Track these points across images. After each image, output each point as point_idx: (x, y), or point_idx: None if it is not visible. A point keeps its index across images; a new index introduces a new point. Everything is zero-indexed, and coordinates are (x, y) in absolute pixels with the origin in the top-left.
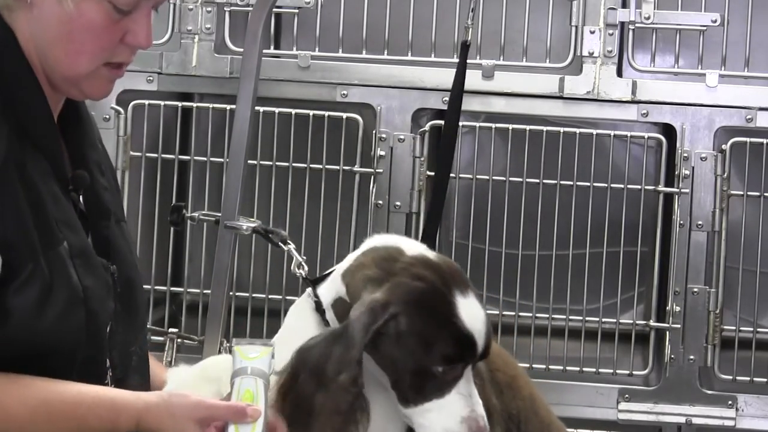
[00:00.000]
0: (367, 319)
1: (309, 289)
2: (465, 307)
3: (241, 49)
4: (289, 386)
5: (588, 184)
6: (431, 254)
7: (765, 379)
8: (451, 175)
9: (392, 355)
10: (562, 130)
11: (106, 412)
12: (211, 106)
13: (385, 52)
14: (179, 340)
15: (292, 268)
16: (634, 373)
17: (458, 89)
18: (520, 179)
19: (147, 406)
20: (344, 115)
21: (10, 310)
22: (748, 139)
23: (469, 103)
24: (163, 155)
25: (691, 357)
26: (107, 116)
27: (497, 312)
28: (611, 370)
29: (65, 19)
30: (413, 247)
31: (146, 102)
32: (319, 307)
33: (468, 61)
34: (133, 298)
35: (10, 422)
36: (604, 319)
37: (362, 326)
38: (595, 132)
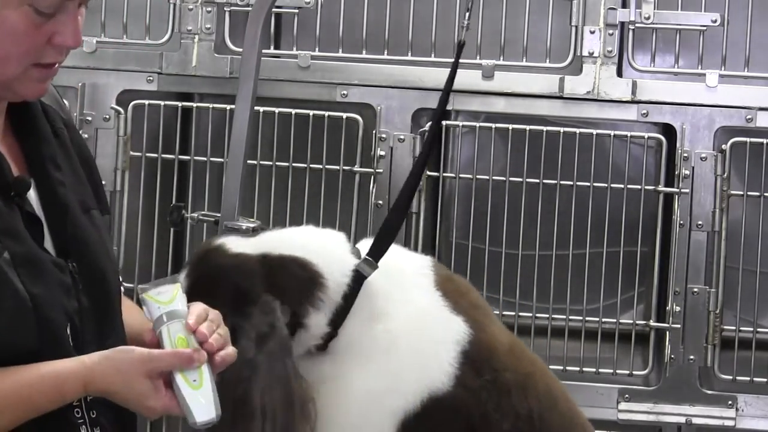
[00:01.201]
0: None
1: None
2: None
3: (241, 49)
4: None
5: (588, 184)
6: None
7: (765, 379)
8: (451, 175)
9: None
10: (562, 130)
11: (49, 387)
12: (211, 106)
13: (385, 52)
14: None
15: None
16: (634, 373)
17: (448, 91)
18: (520, 179)
19: (91, 369)
20: (344, 115)
21: None
22: (748, 139)
23: (469, 103)
24: (163, 155)
25: (691, 357)
26: (107, 116)
27: (497, 312)
28: (611, 370)
29: None
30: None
31: (146, 102)
32: None
33: (468, 61)
34: (104, 289)
35: None
36: (604, 319)
37: None
38: (595, 132)
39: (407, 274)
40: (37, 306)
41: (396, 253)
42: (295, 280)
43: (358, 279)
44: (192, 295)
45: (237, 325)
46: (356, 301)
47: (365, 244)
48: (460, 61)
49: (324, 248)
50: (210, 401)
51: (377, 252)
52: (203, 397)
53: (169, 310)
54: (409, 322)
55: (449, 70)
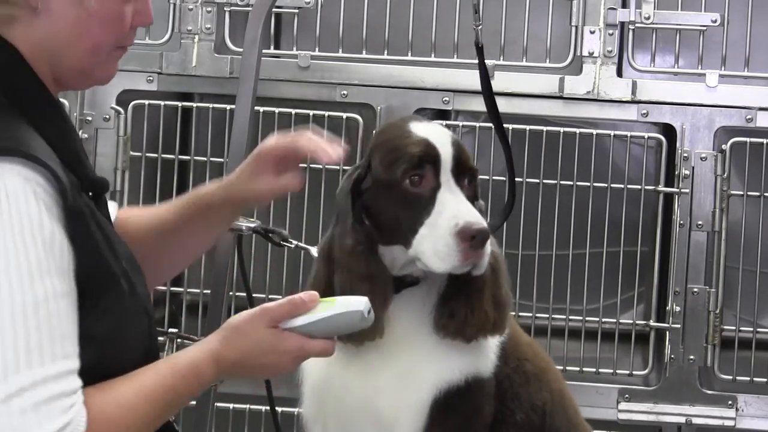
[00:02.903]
0: (345, 181)
1: None
2: (421, 126)
3: (241, 49)
4: (317, 279)
5: (588, 184)
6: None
7: (765, 379)
8: None
9: (377, 197)
10: (562, 130)
11: (188, 371)
12: (211, 106)
13: (385, 52)
14: (179, 340)
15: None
16: (634, 373)
17: (487, 92)
18: (521, 179)
19: (217, 343)
20: (344, 115)
21: (93, 335)
22: (748, 139)
23: (469, 103)
24: (163, 155)
25: (691, 357)
26: (107, 116)
27: None
28: (611, 370)
29: (83, 17)
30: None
31: (146, 102)
32: None
33: (468, 61)
34: (142, 273)
35: (137, 420)
36: (604, 319)
37: (342, 188)
38: (595, 132)
39: None
40: (147, 305)
41: None
42: None
43: None
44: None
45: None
46: None
47: None
48: (461, 61)
49: None
50: (350, 298)
51: None
52: (344, 300)
53: None
54: None
55: (478, 75)
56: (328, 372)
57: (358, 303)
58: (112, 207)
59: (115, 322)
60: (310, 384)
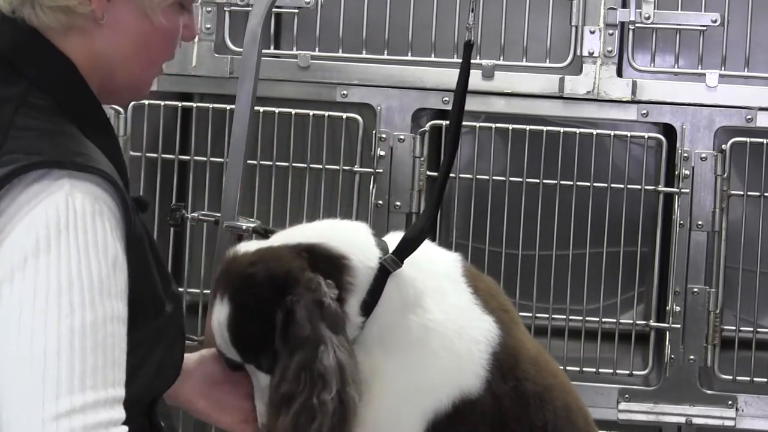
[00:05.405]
0: None
1: None
2: (217, 307)
3: (241, 49)
4: None
5: (588, 184)
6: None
7: (765, 379)
8: (451, 175)
9: None
10: (562, 130)
11: None
12: (211, 106)
13: (385, 52)
14: None
15: None
16: (634, 373)
17: (461, 91)
18: (520, 179)
19: None
20: (344, 115)
21: (136, 371)
22: (748, 139)
23: (469, 103)
24: (163, 155)
25: (691, 357)
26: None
27: None
28: (611, 370)
29: (147, 31)
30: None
31: (146, 102)
32: None
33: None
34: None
35: None
36: (604, 319)
37: None
38: (595, 132)
39: (438, 266)
40: (184, 327)
41: (424, 245)
42: (322, 260)
43: (383, 269)
44: (238, 319)
45: (287, 310)
46: (385, 291)
47: (393, 237)
48: (461, 61)
49: (346, 235)
50: None
51: (402, 252)
52: None
53: None
54: (443, 317)
55: (458, 71)
56: None
57: None
58: None
59: (143, 356)
60: None
